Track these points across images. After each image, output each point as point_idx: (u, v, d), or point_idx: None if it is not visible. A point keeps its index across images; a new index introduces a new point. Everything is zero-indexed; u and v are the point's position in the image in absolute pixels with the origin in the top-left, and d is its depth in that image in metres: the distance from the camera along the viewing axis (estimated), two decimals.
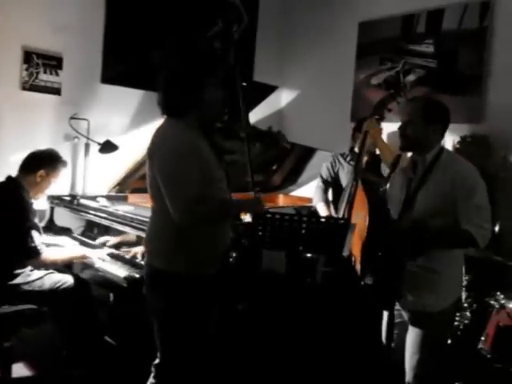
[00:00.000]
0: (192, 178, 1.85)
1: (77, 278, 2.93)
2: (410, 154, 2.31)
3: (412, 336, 2.20)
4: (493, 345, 2.64)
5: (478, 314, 2.88)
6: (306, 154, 4.01)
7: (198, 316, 1.98)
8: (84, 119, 3.72)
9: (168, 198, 1.86)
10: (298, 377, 2.77)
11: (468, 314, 2.93)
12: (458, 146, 3.64)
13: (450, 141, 3.69)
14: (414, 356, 2.18)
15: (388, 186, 2.29)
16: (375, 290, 2.22)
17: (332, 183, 3.56)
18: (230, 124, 2.91)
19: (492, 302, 2.77)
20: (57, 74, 3.69)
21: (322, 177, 3.60)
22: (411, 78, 4.12)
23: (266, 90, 3.79)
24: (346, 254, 2.60)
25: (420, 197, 2.13)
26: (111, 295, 3.11)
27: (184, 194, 1.84)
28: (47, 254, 2.81)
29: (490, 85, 3.67)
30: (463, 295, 2.97)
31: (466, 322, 2.90)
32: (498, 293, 2.76)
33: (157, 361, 2.05)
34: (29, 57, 3.56)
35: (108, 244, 3.09)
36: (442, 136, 2.21)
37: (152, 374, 2.06)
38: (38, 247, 2.76)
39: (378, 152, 3.10)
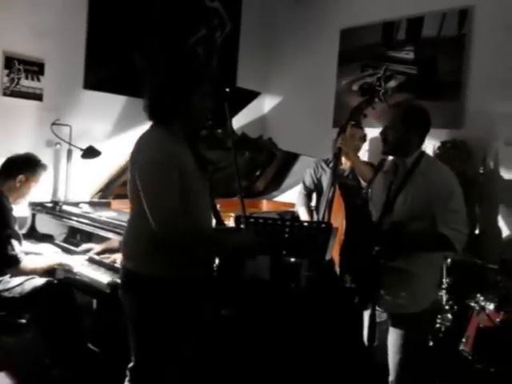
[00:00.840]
0: (173, 190, 1.85)
1: (59, 281, 2.89)
2: (390, 158, 2.35)
3: (393, 337, 2.25)
4: (474, 346, 2.68)
5: (459, 316, 2.93)
6: (289, 159, 4.03)
7: (174, 320, 1.95)
8: (66, 125, 3.70)
9: (148, 209, 1.86)
10: (284, 380, 2.78)
11: (449, 316, 2.97)
12: (438, 150, 3.71)
13: (430, 146, 3.75)
14: (396, 356, 2.23)
15: (370, 189, 2.33)
16: (356, 291, 2.25)
17: (315, 190, 3.58)
18: (214, 132, 2.92)
19: (472, 304, 2.81)
20: (38, 80, 3.67)
21: (304, 184, 3.63)
22: (392, 84, 4.19)
23: (249, 96, 3.81)
24: (328, 257, 2.63)
25: (399, 200, 2.17)
26: (94, 302, 3.09)
27: (164, 208, 1.84)
28: (26, 263, 2.78)
29: (469, 91, 3.74)
30: (444, 298, 3.01)
31: (448, 324, 2.95)
32: (478, 295, 2.81)
33: (131, 364, 2.03)
34: (10, 62, 3.53)
35: (92, 252, 3.06)
36: (422, 140, 2.26)
37: (127, 378, 2.04)
38: (18, 255, 2.73)
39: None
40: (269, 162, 4.00)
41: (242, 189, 2.36)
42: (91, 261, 2.94)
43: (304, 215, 3.52)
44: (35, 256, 2.95)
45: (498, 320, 2.69)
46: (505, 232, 3.47)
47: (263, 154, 3.78)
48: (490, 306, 2.73)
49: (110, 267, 2.83)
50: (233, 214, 2.91)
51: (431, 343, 2.89)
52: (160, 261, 1.92)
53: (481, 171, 3.49)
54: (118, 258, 2.82)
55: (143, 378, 2.01)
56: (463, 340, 2.77)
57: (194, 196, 1.94)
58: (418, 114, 2.25)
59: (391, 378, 2.26)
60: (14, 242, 2.73)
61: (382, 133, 2.24)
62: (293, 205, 3.82)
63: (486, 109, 3.60)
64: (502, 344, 2.63)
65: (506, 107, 3.49)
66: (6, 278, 2.78)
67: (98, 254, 3.04)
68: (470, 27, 3.75)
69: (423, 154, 2.25)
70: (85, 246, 3.11)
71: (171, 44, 4.23)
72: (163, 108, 1.95)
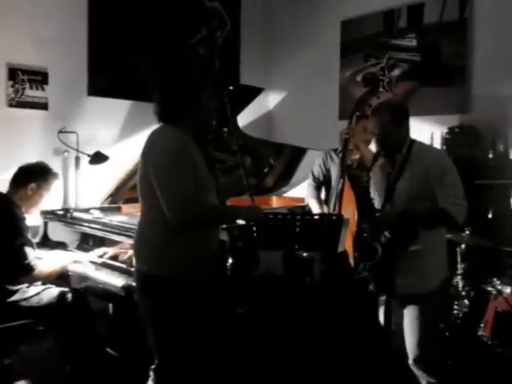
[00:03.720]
0: (187, 177, 1.88)
1: (75, 291, 2.91)
2: None
3: (407, 320, 2.32)
4: (492, 330, 2.66)
5: (476, 301, 2.90)
6: (297, 154, 4.02)
7: (189, 318, 1.98)
8: (73, 132, 3.72)
9: (162, 197, 1.88)
10: (302, 376, 2.77)
11: (466, 302, 2.95)
12: (446, 136, 3.68)
13: (438, 132, 3.73)
14: (413, 337, 2.29)
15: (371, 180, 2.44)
16: (372, 281, 2.26)
17: (324, 180, 3.56)
18: (220, 135, 2.93)
19: (489, 289, 2.79)
20: (43, 89, 3.69)
21: (313, 174, 3.61)
22: (396, 72, 4.16)
23: (253, 93, 3.79)
24: (341, 249, 2.62)
25: (399, 186, 2.29)
26: (110, 306, 3.10)
27: (179, 193, 1.86)
28: (41, 269, 2.80)
29: (474, 75, 3.71)
30: (460, 283, 2.99)
31: (465, 310, 2.92)
32: (495, 279, 2.79)
33: (154, 365, 2.06)
34: (14, 73, 3.56)
35: (105, 257, 3.07)
36: (409, 130, 2.38)
37: (150, 378, 2.07)
38: (32, 263, 2.75)
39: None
40: (267, 168, 3.99)
41: (251, 186, 2.39)
42: (104, 265, 2.95)
43: (315, 207, 3.50)
44: (48, 260, 2.97)
45: None
46: None
47: (264, 161, 3.81)
48: (507, 290, 2.70)
49: (123, 270, 2.83)
50: None
51: (450, 330, 2.88)
52: (172, 261, 1.95)
53: (490, 155, 3.46)
54: (131, 260, 2.82)
55: (167, 377, 2.04)
56: (482, 325, 2.74)
57: (204, 193, 1.98)
58: (402, 110, 2.37)
59: (410, 360, 2.32)
60: (27, 250, 2.75)
61: (378, 141, 2.35)
62: (303, 199, 3.81)
63: (493, 92, 3.56)
64: None
65: (511, 89, 3.45)
66: (24, 287, 2.80)
67: (111, 258, 3.06)
68: (472, 11, 3.71)
69: (413, 141, 2.36)
70: (97, 251, 3.12)
71: (173, 46, 4.23)
72: (173, 109, 1.99)
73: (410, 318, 2.31)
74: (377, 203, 2.43)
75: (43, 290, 2.83)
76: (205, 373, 2.17)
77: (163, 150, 1.92)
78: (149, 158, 1.95)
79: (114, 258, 3.03)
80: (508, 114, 3.49)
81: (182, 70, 2.02)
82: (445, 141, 3.68)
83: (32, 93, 3.64)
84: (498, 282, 2.76)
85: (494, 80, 3.58)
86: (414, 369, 2.33)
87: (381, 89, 4.15)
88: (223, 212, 2.14)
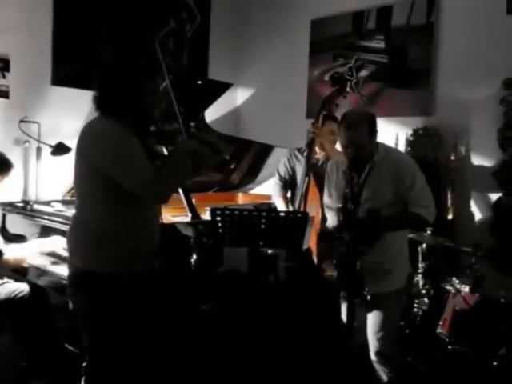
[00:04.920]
0: (139, 155, 1.85)
1: (33, 285, 2.84)
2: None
3: (372, 317, 2.38)
4: (450, 329, 2.72)
5: (436, 299, 2.97)
6: (264, 151, 4.03)
7: (125, 315, 1.92)
8: (34, 122, 3.62)
9: (129, 185, 1.82)
10: (266, 371, 2.78)
11: (426, 300, 3.01)
12: (410, 138, 3.75)
13: (403, 133, 3.80)
14: (375, 333, 2.36)
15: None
16: (337, 280, 2.29)
17: (289, 179, 3.58)
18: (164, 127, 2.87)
19: (448, 288, 2.85)
20: (4, 77, 3.58)
21: (279, 174, 3.62)
22: (363, 73, 4.21)
23: (221, 88, 3.78)
24: (305, 247, 2.64)
25: (366, 191, 2.29)
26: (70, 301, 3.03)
27: (141, 169, 1.82)
28: (9, 255, 2.71)
29: (439, 78, 3.78)
30: (420, 282, 3.06)
31: (425, 308, 2.98)
32: (454, 278, 2.85)
33: (85, 363, 2.00)
34: None
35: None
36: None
37: (83, 378, 2.00)
38: None
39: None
40: (240, 153, 3.96)
41: (216, 182, 2.37)
42: (65, 259, 2.88)
43: (282, 206, 3.51)
44: (18, 247, 2.88)
45: (472, 302, 2.73)
46: (477, 216, 3.53)
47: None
48: (465, 289, 2.77)
49: None
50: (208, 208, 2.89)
51: (409, 328, 2.94)
52: (107, 256, 1.89)
53: (452, 157, 3.54)
54: None
55: (99, 376, 1.98)
56: (440, 323, 2.81)
57: None
58: (375, 121, 2.34)
59: (372, 355, 2.39)
60: None
61: (353, 153, 2.27)
62: (269, 197, 3.81)
63: (456, 95, 3.65)
64: (478, 325, 2.67)
65: (474, 94, 3.54)
66: None
67: None
68: (438, 15, 3.78)
69: (377, 144, 2.37)
70: None
71: (139, 37, 4.16)
72: (112, 101, 1.92)
73: (374, 315, 2.37)
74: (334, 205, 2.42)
75: (0, 285, 2.75)
76: (142, 372, 2.10)
77: (107, 141, 1.85)
78: (89, 150, 1.90)
79: None
80: (470, 117, 3.57)
81: (128, 64, 1.97)
82: (408, 142, 3.75)
83: None
84: (457, 281, 2.82)
85: (457, 84, 3.66)
86: (375, 363, 2.39)
87: (348, 89, 4.19)
88: (176, 162, 1.96)
